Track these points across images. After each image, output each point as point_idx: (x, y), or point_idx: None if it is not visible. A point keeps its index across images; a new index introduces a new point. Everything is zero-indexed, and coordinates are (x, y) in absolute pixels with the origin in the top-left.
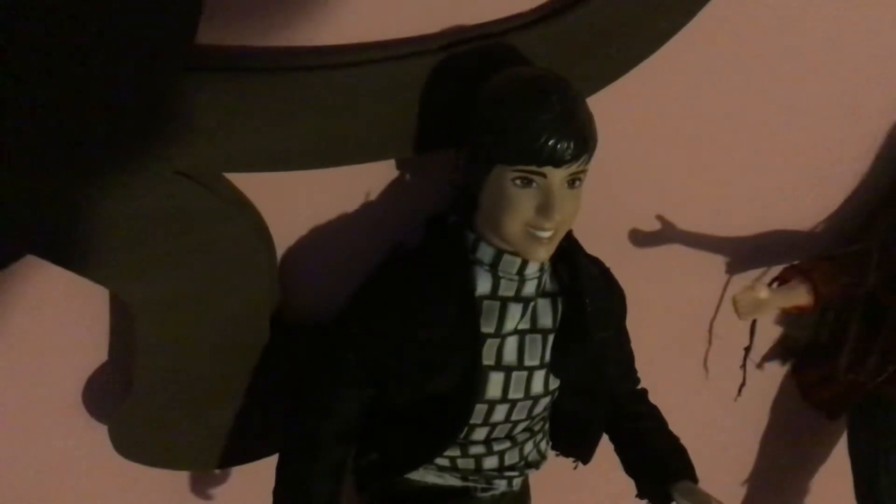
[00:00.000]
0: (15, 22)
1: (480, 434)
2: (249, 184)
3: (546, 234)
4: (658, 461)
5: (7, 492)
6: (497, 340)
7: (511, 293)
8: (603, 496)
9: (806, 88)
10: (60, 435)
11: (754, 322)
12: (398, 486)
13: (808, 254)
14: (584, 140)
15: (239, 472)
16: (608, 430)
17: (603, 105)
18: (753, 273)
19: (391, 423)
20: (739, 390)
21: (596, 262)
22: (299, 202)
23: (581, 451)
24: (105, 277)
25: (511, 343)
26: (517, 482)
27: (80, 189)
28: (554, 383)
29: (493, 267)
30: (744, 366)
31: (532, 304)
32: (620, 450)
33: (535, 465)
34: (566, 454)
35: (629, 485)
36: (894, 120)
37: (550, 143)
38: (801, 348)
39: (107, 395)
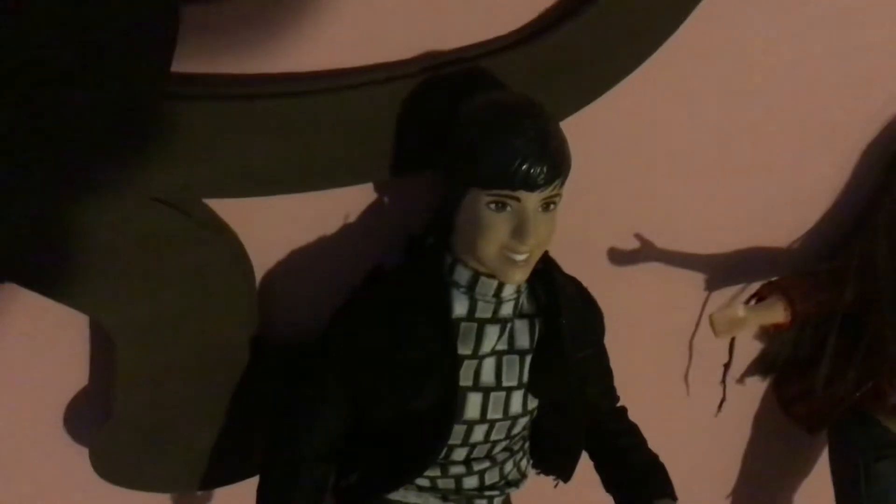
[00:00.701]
0: None
1: (460, 454)
2: (228, 208)
3: (521, 257)
4: (637, 478)
5: None
6: (475, 362)
7: (488, 315)
8: None
9: (784, 107)
10: (41, 459)
11: (733, 338)
12: None
13: (785, 271)
14: (557, 164)
15: (221, 494)
16: (588, 447)
17: (579, 126)
18: (732, 290)
19: (371, 443)
20: (720, 406)
21: (573, 281)
22: (278, 226)
23: (561, 470)
24: (84, 304)
25: (489, 364)
26: (498, 501)
27: (58, 216)
28: (532, 403)
29: (470, 289)
30: (723, 381)
31: (509, 325)
32: (600, 467)
33: (516, 483)
34: (547, 472)
35: (610, 502)
36: (871, 138)
37: (524, 167)
38: (781, 364)
39: (88, 418)
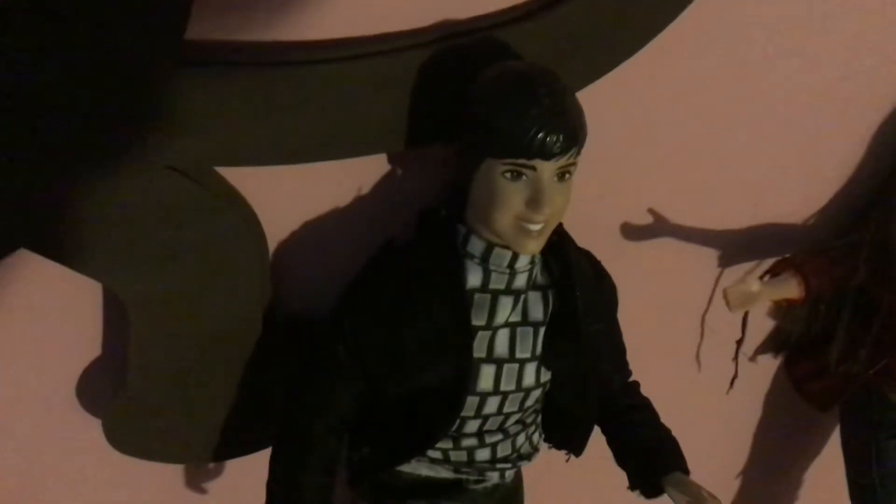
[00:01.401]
0: (4, 17)
1: (472, 426)
2: (241, 178)
3: (536, 227)
4: (649, 453)
5: (1, 485)
6: (488, 333)
7: (502, 286)
8: (595, 488)
9: (798, 82)
10: (54, 428)
11: (746, 315)
12: (390, 479)
13: (799, 247)
14: (573, 133)
15: (232, 466)
16: (600, 422)
17: (594, 98)
18: (745, 266)
19: (383, 416)
20: (731, 383)
21: (587, 255)
22: (291, 196)
23: (573, 444)
24: (97, 272)
25: (502, 336)
26: (510, 474)
27: (71, 184)
28: (545, 375)
29: (484, 260)
30: (736, 358)
31: (523, 296)
32: (612, 442)
33: (528, 457)
34: (558, 446)
35: (621, 476)
36: (886, 114)
37: (540, 136)
38: (794, 341)
39: (101, 388)
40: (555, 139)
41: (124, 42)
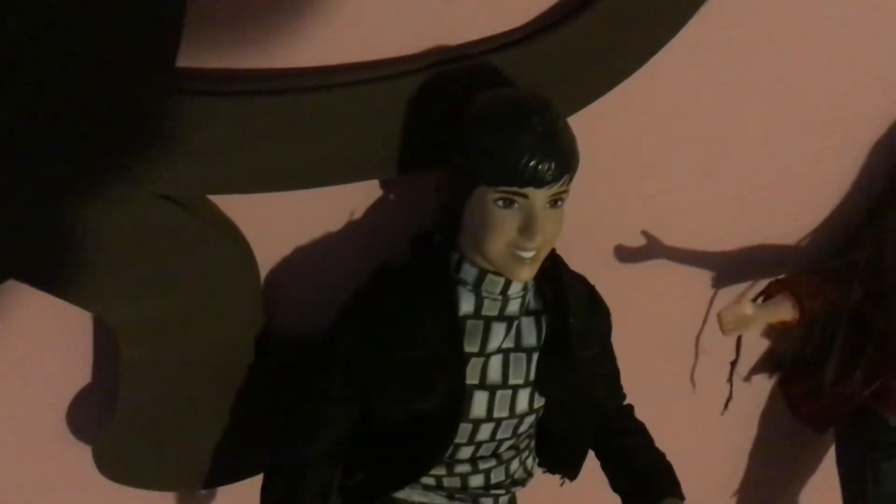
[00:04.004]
0: None
1: (466, 453)
2: (233, 205)
3: (528, 255)
4: (644, 477)
5: None
6: (481, 359)
7: (494, 312)
8: None
9: (791, 104)
10: (44, 457)
11: (740, 336)
12: None
13: (793, 268)
14: (565, 160)
15: (224, 492)
16: (595, 446)
17: (587, 122)
18: (739, 287)
19: (377, 442)
20: (726, 404)
21: (580, 279)
22: (283, 223)
23: (568, 468)
24: (88, 301)
25: (495, 362)
26: (504, 500)
27: (63, 212)
28: (539, 401)
29: (477, 287)
30: (730, 380)
31: (516, 322)
32: (607, 466)
33: (522, 482)
34: (553, 471)
35: (616, 501)
36: (879, 135)
37: (532, 164)
38: (788, 362)
39: (91, 416)
40: (547, 167)
41: (115, 70)
